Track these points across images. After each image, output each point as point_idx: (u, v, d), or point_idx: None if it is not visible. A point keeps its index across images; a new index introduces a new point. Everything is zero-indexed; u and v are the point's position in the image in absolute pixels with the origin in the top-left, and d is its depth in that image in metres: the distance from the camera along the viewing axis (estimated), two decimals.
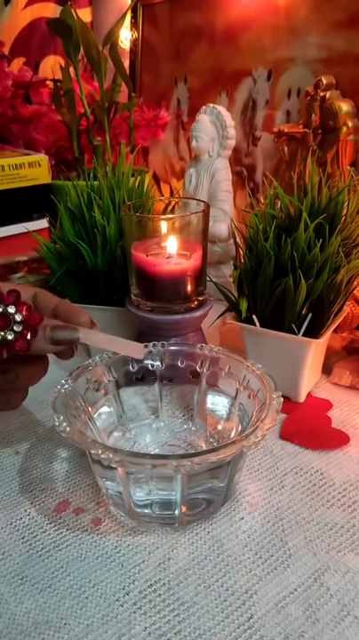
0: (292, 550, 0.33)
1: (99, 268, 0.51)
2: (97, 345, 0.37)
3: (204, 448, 0.41)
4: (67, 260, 0.52)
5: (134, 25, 0.91)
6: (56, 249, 0.53)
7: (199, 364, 0.42)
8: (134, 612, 0.30)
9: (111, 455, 0.30)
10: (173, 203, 0.54)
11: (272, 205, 0.47)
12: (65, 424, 0.33)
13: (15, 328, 0.33)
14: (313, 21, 0.66)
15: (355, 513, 0.36)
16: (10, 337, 0.33)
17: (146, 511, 0.34)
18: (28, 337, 0.34)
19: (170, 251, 0.46)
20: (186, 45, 0.84)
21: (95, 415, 0.39)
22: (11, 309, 0.33)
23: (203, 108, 0.68)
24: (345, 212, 0.45)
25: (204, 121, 0.67)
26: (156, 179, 0.95)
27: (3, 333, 0.33)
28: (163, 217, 0.46)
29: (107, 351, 0.41)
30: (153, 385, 0.43)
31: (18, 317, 0.33)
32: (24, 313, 0.33)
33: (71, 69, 0.71)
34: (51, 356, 0.37)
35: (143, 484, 0.33)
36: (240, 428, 0.39)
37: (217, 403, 0.42)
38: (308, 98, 0.65)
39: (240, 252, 0.49)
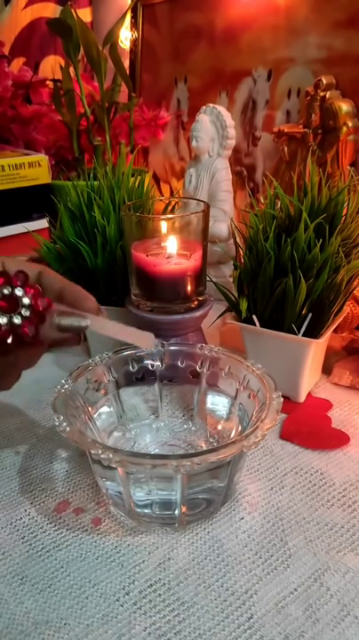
0: (292, 550, 0.33)
1: (99, 268, 0.51)
2: (104, 333, 0.35)
3: (204, 448, 0.41)
4: (67, 260, 0.52)
5: (134, 25, 0.91)
6: (56, 249, 0.53)
7: (199, 363, 0.42)
8: (134, 612, 0.30)
9: (111, 455, 0.30)
10: (173, 203, 0.54)
11: (272, 205, 0.47)
12: (65, 424, 0.33)
13: (23, 312, 0.31)
14: (313, 21, 0.66)
15: (355, 513, 0.36)
16: (17, 321, 0.31)
17: (146, 511, 0.34)
18: (36, 323, 0.32)
19: (170, 251, 0.46)
20: (186, 45, 0.84)
21: (95, 415, 0.39)
22: (19, 292, 0.31)
23: (203, 108, 0.68)
24: (345, 212, 0.45)
25: (204, 121, 0.67)
26: (156, 179, 0.95)
27: (9, 317, 0.31)
28: (163, 217, 0.46)
29: (106, 350, 0.41)
30: (153, 385, 0.43)
31: (26, 301, 0.31)
32: (32, 297, 0.31)
33: (71, 69, 0.71)
34: (51, 357, 0.37)
35: (143, 484, 0.33)
36: (240, 428, 0.39)
37: (217, 403, 0.42)
38: (308, 98, 0.65)
39: (240, 251, 0.49)
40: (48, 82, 0.80)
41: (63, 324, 0.33)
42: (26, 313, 0.31)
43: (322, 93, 0.64)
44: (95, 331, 0.34)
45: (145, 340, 0.35)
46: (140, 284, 0.47)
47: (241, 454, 0.34)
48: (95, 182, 0.53)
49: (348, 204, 0.45)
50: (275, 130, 0.70)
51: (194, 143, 0.68)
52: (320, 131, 0.65)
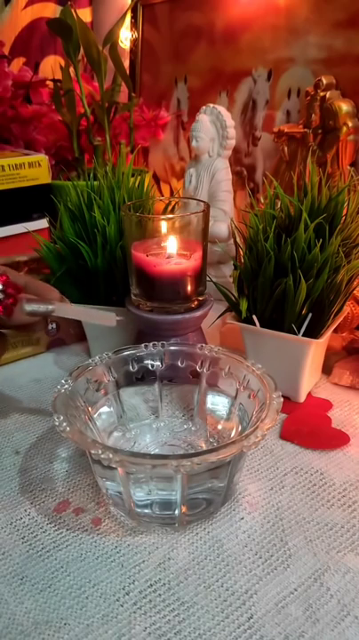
0: (292, 550, 0.33)
1: (99, 268, 0.51)
2: (70, 316, 0.40)
3: (204, 448, 0.41)
4: (67, 260, 0.52)
5: (134, 25, 0.91)
6: (56, 249, 0.53)
7: (199, 363, 0.42)
8: (134, 612, 0.30)
9: (111, 455, 0.30)
10: (173, 203, 0.54)
11: (272, 205, 0.47)
12: (65, 424, 0.33)
13: None
14: (313, 21, 0.66)
15: (355, 513, 0.36)
16: None
17: (146, 511, 0.34)
18: (9, 305, 0.36)
19: (170, 251, 0.46)
20: (186, 45, 0.83)
21: (95, 415, 0.39)
22: None
23: (203, 108, 0.68)
24: (345, 212, 0.45)
25: (204, 121, 0.67)
26: (156, 179, 0.95)
27: None
28: (163, 217, 0.46)
29: (106, 350, 0.41)
30: (153, 385, 0.43)
31: None
32: (4, 284, 0.36)
33: (71, 69, 0.71)
34: (51, 356, 0.37)
35: (143, 484, 0.33)
36: (240, 428, 0.39)
37: (217, 403, 0.42)
38: (308, 98, 0.65)
39: (240, 251, 0.49)
40: (48, 82, 0.80)
41: (32, 309, 0.37)
42: (0, 296, 0.36)
43: (322, 93, 0.64)
44: (61, 315, 0.38)
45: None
46: (140, 283, 0.47)
47: (241, 454, 0.34)
48: (95, 182, 0.53)
49: (348, 204, 0.45)
50: (275, 130, 0.70)
51: (194, 143, 0.68)
52: (320, 131, 0.65)
